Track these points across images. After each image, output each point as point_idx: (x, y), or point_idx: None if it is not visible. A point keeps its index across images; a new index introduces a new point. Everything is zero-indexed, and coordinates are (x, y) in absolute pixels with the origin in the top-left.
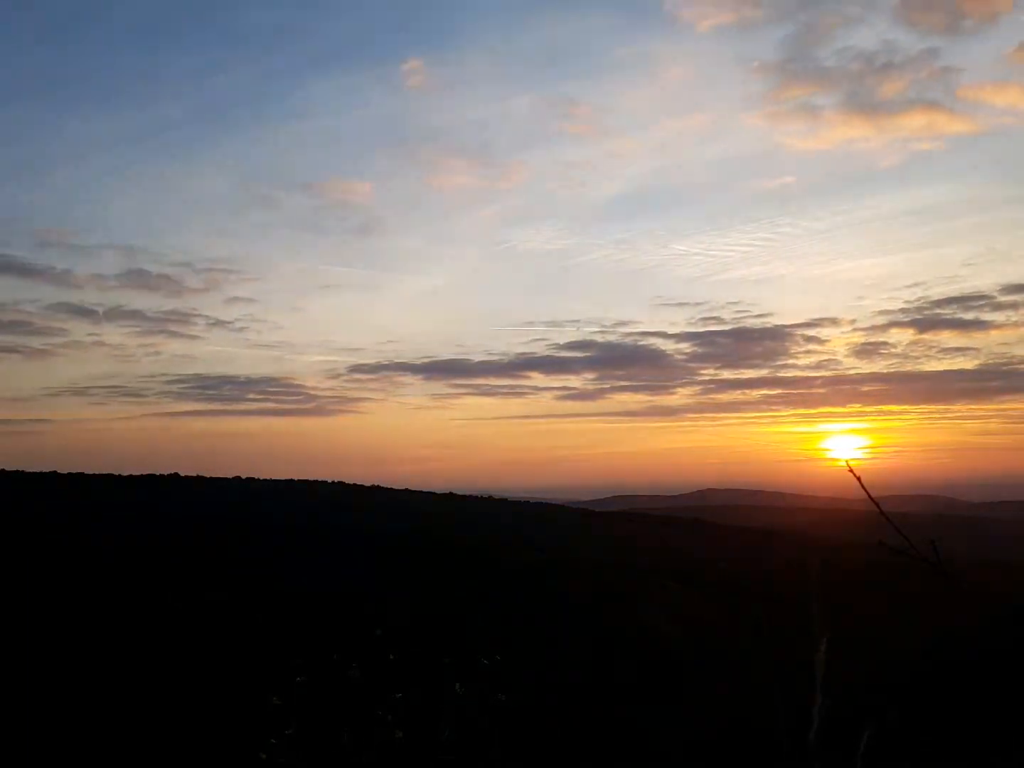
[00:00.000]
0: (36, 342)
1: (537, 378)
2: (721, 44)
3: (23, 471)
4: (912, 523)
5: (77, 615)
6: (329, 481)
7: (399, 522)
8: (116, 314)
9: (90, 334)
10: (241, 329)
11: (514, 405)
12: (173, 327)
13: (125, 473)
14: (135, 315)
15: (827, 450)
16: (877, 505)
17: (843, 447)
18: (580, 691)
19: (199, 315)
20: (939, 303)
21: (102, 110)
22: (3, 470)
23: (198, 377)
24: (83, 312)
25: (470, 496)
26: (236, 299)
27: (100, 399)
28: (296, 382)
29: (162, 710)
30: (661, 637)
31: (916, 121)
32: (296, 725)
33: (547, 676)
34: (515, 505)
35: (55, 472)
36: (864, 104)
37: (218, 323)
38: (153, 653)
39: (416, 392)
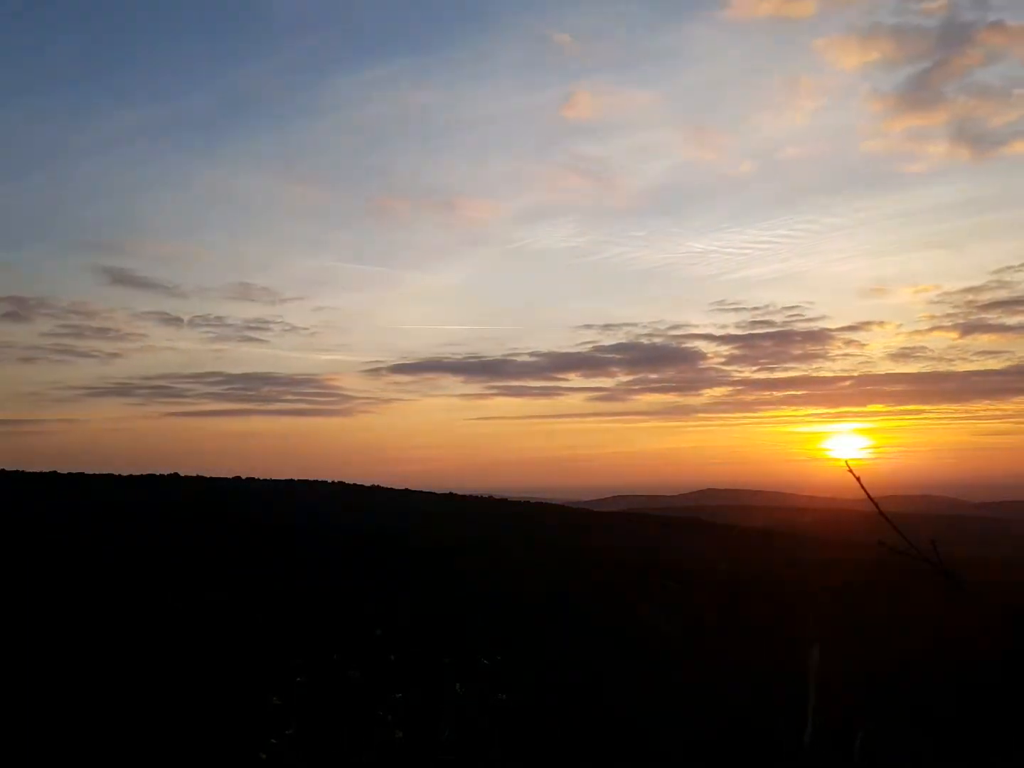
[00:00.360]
0: (111, 347)
1: (574, 379)
2: (858, 78)
3: (23, 471)
4: (913, 523)
5: (77, 615)
6: (329, 481)
7: (399, 522)
8: (200, 322)
9: (168, 340)
10: (313, 334)
11: (541, 406)
12: (250, 333)
13: (125, 473)
14: (217, 322)
15: (828, 450)
16: (876, 505)
17: (846, 447)
18: (580, 691)
19: (279, 322)
20: (986, 307)
21: (232, 136)
22: (5, 470)
23: (245, 377)
24: (169, 320)
25: (470, 496)
26: (322, 308)
27: (140, 399)
28: (335, 383)
29: (162, 710)
30: (661, 637)
31: (1017, 149)
32: (296, 725)
33: (547, 676)
34: (515, 505)
35: (55, 472)
36: (970, 134)
37: (293, 329)
38: (153, 653)
39: (452, 392)
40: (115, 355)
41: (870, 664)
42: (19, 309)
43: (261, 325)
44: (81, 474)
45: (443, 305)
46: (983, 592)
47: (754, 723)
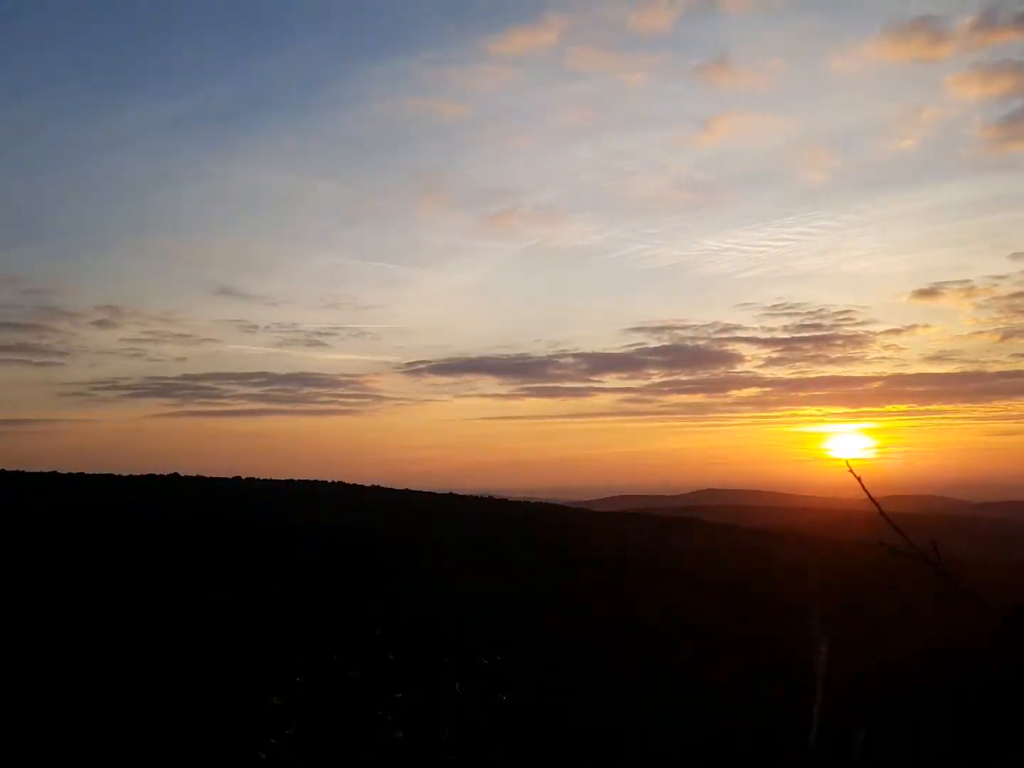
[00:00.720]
0: (180, 352)
1: (610, 381)
2: (974, 109)
3: (23, 471)
4: (913, 523)
5: (77, 615)
6: (329, 481)
7: (399, 521)
8: (275, 328)
9: (238, 344)
10: (377, 338)
11: (567, 407)
12: (320, 338)
13: (125, 473)
14: (290, 328)
15: (829, 450)
16: (877, 505)
17: (849, 447)
18: (580, 691)
19: (348, 328)
20: None
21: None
22: (7, 470)
23: (289, 379)
24: (246, 328)
25: (470, 496)
26: (389, 313)
27: (177, 400)
28: (373, 384)
29: (162, 710)
30: (661, 637)
31: None
32: (296, 725)
33: (547, 676)
34: (515, 505)
35: (55, 472)
36: None
37: (359, 334)
38: (153, 653)
39: (485, 393)
40: (181, 359)
41: (870, 663)
42: (111, 317)
43: (331, 331)
44: (81, 474)
45: (497, 303)
46: (982, 593)
47: (754, 723)
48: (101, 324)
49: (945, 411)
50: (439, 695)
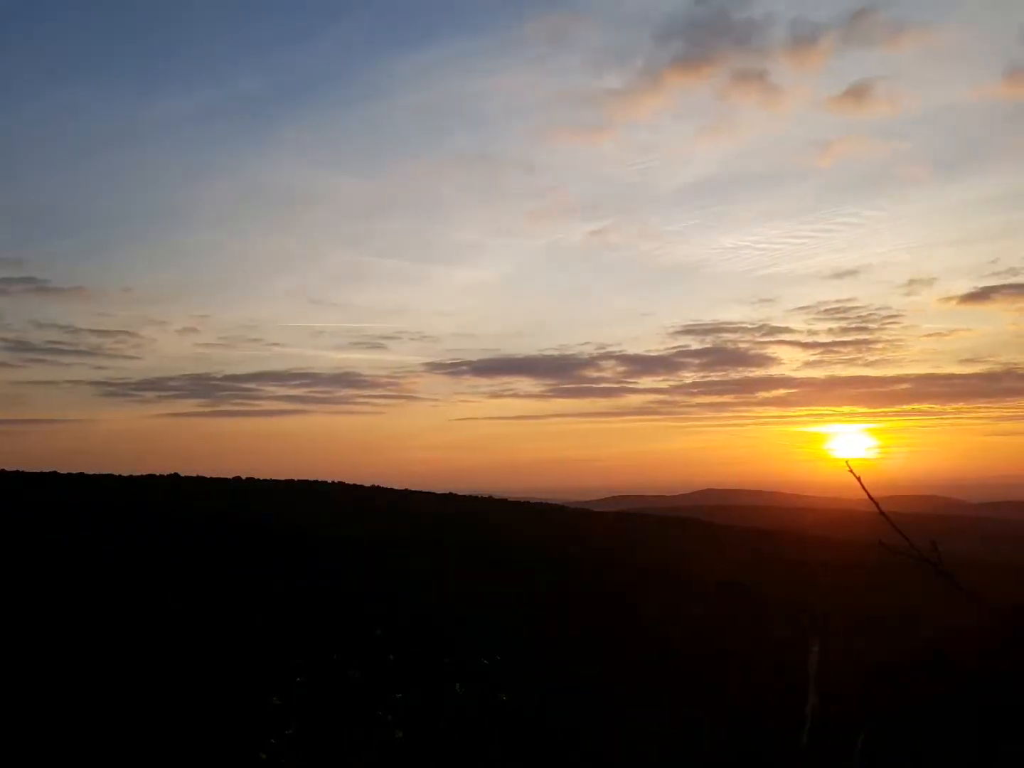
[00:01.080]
0: (240, 355)
1: (644, 382)
2: None
3: (21, 471)
4: (913, 523)
5: (77, 615)
6: (329, 481)
7: (399, 521)
8: (342, 332)
9: (299, 348)
10: (436, 340)
11: (595, 407)
12: (382, 341)
13: (125, 473)
14: (357, 333)
15: (832, 450)
16: (877, 505)
17: (852, 446)
18: (580, 691)
19: (407, 332)
20: None
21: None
22: (7, 470)
23: (331, 379)
24: (315, 332)
25: (470, 496)
26: (457, 317)
27: (212, 400)
28: (411, 385)
29: (163, 710)
30: (660, 637)
31: None
32: (296, 725)
33: (547, 676)
34: (515, 505)
35: (55, 472)
36: None
37: (421, 337)
38: (153, 653)
39: (520, 393)
40: (241, 361)
41: (870, 664)
42: (198, 324)
43: (394, 334)
44: (81, 474)
45: (555, 302)
46: (983, 593)
47: (755, 724)
48: (184, 331)
49: (961, 411)
50: (439, 695)
